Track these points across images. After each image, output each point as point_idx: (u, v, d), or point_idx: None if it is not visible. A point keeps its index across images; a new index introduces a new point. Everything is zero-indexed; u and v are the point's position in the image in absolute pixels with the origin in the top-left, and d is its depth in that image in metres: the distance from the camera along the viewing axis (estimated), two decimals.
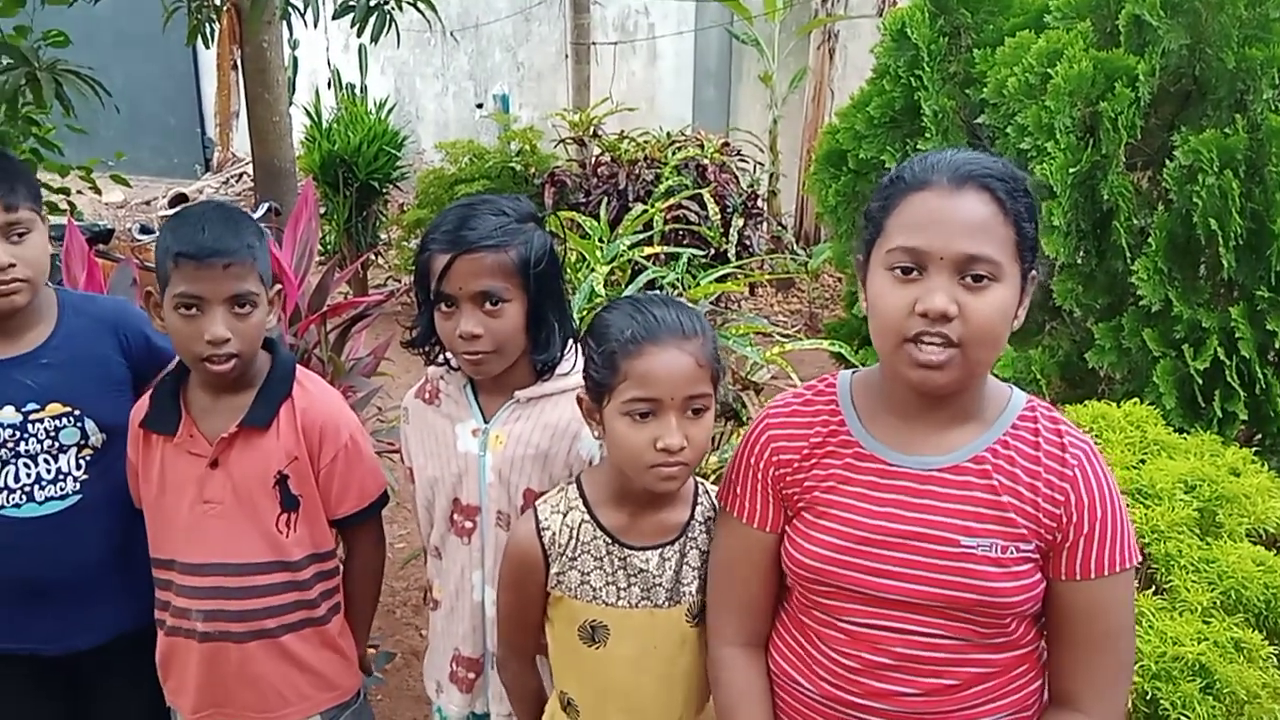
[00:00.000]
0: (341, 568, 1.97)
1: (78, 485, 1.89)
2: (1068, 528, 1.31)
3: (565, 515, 1.54)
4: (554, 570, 1.54)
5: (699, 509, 1.57)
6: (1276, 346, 2.95)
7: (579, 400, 1.55)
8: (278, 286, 1.82)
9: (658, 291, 2.96)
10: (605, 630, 1.52)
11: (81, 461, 1.90)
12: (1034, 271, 1.33)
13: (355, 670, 1.98)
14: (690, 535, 1.54)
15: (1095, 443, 1.38)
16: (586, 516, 1.53)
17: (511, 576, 1.59)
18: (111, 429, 1.91)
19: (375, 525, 2.00)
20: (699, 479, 1.61)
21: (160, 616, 1.88)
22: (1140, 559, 1.38)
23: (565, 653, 1.58)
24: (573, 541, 1.53)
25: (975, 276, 1.24)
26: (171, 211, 8.43)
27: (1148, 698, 1.71)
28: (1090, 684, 1.36)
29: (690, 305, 1.56)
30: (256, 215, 4.99)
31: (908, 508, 1.35)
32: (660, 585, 1.51)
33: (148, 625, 1.90)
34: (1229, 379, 2.91)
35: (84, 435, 1.89)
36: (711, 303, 3.44)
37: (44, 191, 4.23)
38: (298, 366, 1.91)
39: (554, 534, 1.53)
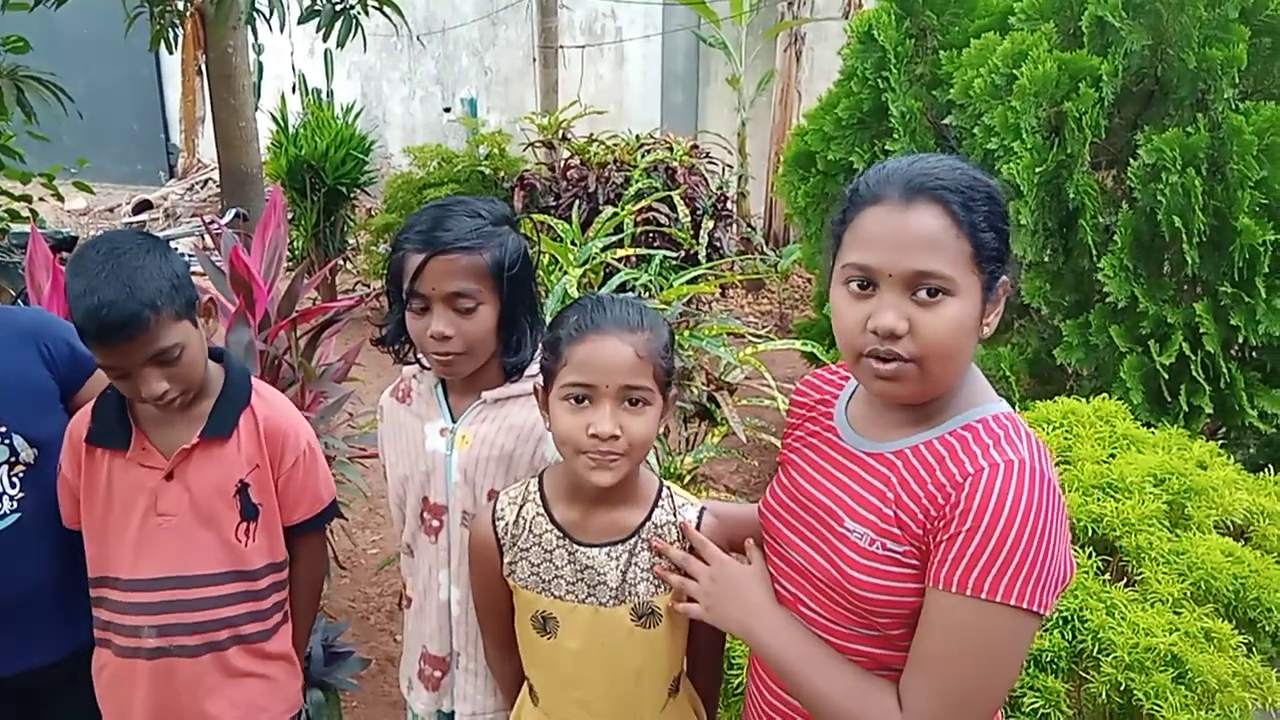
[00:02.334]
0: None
1: (14, 503, 1.82)
2: (937, 528, 1.22)
3: (521, 507, 1.57)
4: (506, 559, 1.57)
5: (658, 512, 1.55)
6: (1240, 341, 3.00)
7: (535, 390, 1.56)
8: (206, 297, 1.76)
9: (629, 294, 2.97)
10: (555, 622, 1.54)
11: (15, 479, 1.82)
12: (1004, 278, 1.29)
13: (300, 680, 1.97)
14: (643, 537, 1.53)
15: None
16: (541, 510, 1.56)
17: (472, 564, 1.64)
18: (42, 443, 1.84)
19: (321, 535, 2.00)
20: (667, 483, 1.61)
21: (103, 637, 1.83)
22: (1037, 611, 1.17)
23: (524, 641, 1.61)
24: (525, 532, 1.55)
25: (929, 291, 1.23)
26: (137, 218, 8.33)
27: (1121, 688, 1.73)
28: (906, 704, 1.25)
29: (655, 309, 1.56)
30: (224, 221, 4.94)
31: (832, 480, 1.39)
32: (605, 583, 1.51)
33: None
34: (1194, 373, 2.95)
35: (13, 452, 1.81)
36: (684, 304, 3.45)
37: (5, 199, 4.20)
38: (250, 375, 1.88)
39: (508, 524, 1.56)
